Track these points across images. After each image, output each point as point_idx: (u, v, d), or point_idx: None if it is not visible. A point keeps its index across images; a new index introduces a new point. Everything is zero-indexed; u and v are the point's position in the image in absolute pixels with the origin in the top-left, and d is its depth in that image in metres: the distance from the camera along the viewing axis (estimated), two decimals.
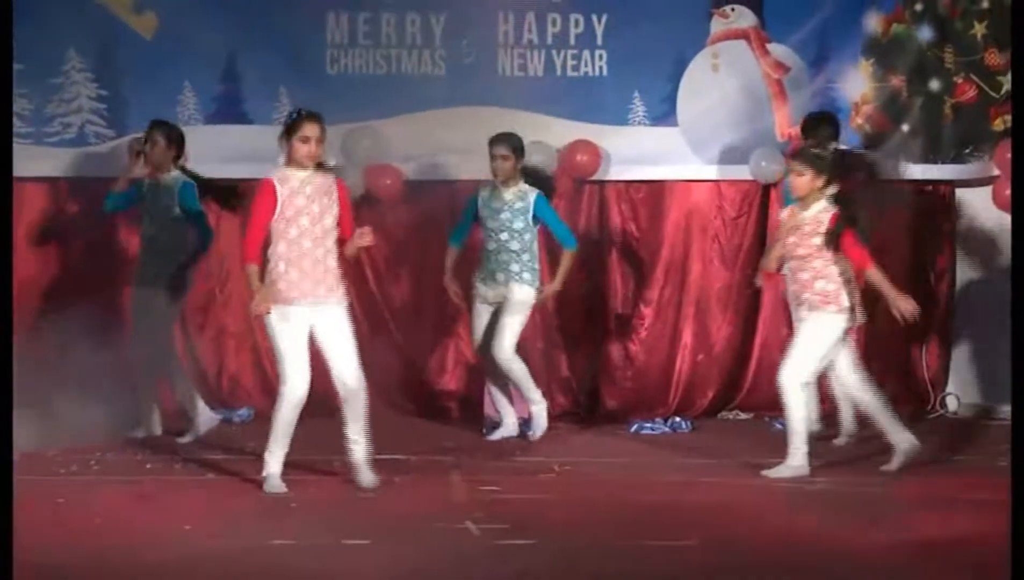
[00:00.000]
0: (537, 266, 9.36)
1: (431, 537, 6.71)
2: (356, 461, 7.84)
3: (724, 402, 10.37)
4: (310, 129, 7.58)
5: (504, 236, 9.23)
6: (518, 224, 9.21)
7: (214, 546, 6.50)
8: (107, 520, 7.04)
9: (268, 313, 7.56)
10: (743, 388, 10.34)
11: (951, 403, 10.62)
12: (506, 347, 9.26)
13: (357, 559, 6.32)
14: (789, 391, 8.04)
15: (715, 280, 10.51)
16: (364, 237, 7.70)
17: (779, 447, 8.81)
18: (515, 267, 9.24)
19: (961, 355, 10.66)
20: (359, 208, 10.10)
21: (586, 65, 10.31)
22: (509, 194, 9.23)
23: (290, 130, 7.60)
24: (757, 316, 10.58)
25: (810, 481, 8.08)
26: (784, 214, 8.28)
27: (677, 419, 9.89)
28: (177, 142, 9.09)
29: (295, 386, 7.60)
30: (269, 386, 9.22)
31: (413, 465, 8.59)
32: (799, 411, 8.05)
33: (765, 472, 8.07)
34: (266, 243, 7.62)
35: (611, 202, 10.44)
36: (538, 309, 10.35)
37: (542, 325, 10.48)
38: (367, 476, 7.82)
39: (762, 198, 10.42)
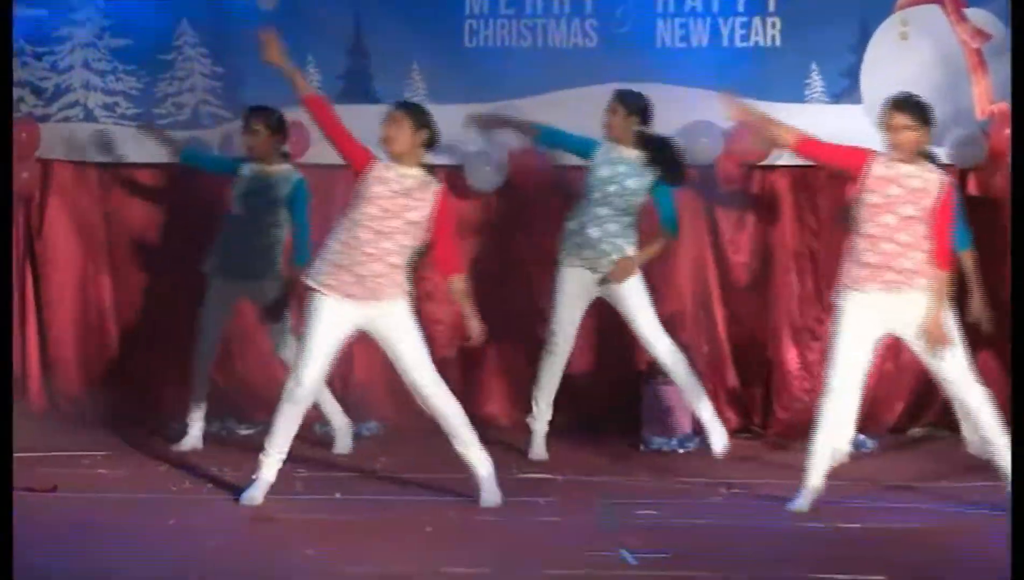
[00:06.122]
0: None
1: (580, 567, 6.61)
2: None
3: (914, 417, 10.13)
4: None
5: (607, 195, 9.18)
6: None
7: (339, 573, 6.53)
8: (223, 542, 7.05)
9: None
10: (936, 401, 9.75)
11: None
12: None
13: None
14: None
15: None
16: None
17: (975, 467, 8.75)
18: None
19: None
20: (501, 196, 10.30)
21: (756, 34, 10.14)
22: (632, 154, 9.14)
23: None
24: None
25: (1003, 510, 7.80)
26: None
27: (860, 436, 9.45)
28: (280, 129, 9.09)
29: (295, 381, 7.71)
30: (402, 398, 8.93)
31: (558, 486, 8.58)
32: None
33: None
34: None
35: (784, 191, 10.17)
36: (702, 310, 10.41)
37: (707, 328, 10.37)
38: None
39: (959, 184, 9.92)
